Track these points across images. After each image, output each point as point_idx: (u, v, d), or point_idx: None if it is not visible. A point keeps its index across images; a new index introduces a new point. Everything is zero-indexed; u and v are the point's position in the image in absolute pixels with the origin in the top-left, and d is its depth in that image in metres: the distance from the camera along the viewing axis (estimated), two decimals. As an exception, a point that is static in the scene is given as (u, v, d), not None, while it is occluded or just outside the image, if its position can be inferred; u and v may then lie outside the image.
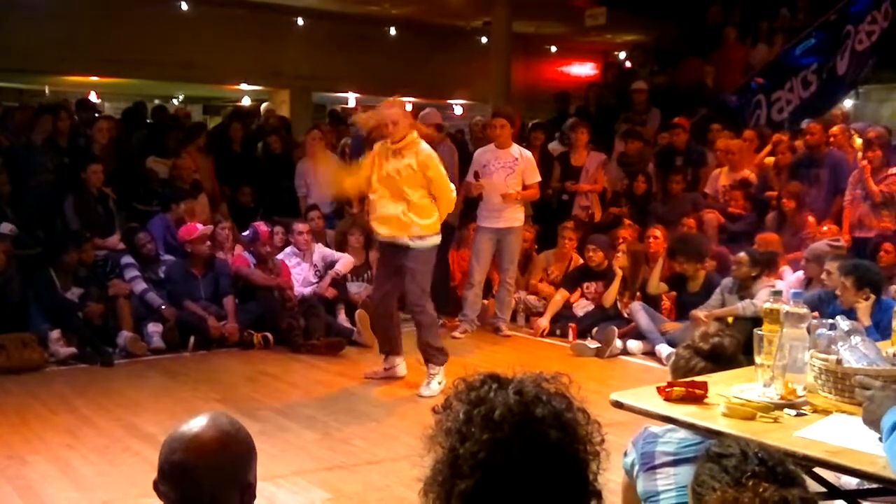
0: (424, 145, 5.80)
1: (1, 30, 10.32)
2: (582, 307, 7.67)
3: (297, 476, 4.32)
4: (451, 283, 8.36)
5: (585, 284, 7.75)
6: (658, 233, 7.58)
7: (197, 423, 1.79)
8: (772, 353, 2.49)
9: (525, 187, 7.54)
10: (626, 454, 2.52)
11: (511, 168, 7.48)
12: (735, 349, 2.66)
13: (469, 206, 8.04)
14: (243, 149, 9.36)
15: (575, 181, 8.87)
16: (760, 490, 1.54)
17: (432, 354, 5.89)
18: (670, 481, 2.42)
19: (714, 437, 2.33)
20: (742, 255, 6.68)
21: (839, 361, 2.49)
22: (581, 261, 7.94)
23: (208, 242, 7.33)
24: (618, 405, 2.43)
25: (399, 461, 4.43)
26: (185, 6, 11.58)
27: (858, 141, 8.24)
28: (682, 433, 2.46)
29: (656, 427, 2.51)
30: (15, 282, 6.63)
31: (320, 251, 7.79)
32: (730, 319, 6.59)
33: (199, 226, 7.34)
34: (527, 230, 8.04)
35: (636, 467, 2.47)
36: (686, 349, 2.67)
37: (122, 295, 6.95)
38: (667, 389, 2.42)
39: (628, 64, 12.95)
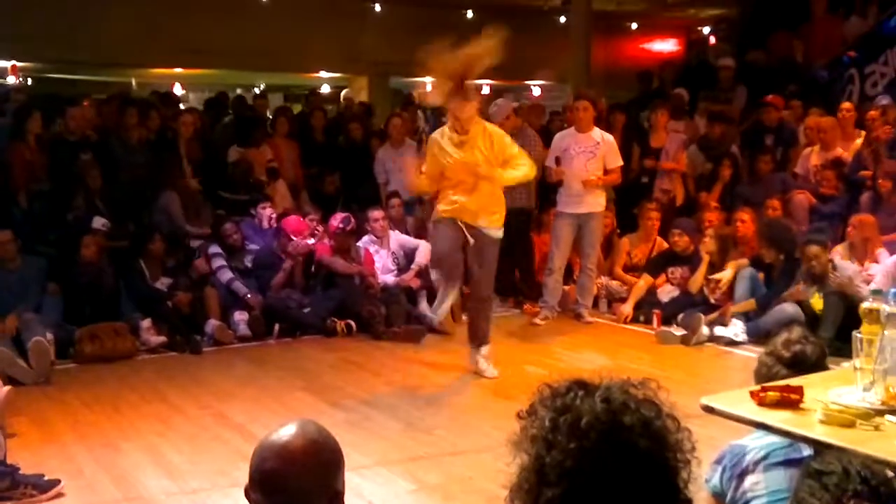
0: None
1: (88, 25, 10.65)
2: (667, 293, 7.50)
3: (381, 466, 4.37)
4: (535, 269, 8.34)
5: (670, 269, 7.57)
6: (745, 216, 7.37)
7: (286, 432, 1.81)
8: (872, 356, 2.37)
9: (606, 171, 7.41)
10: (707, 480, 2.46)
11: (592, 152, 7.35)
12: (818, 356, 2.59)
13: (548, 191, 7.96)
14: (325, 137, 9.45)
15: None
16: (861, 509, 1.47)
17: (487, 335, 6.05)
18: (760, 487, 2.36)
19: (809, 444, 2.25)
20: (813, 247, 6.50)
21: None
22: (665, 245, 7.77)
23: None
24: (709, 410, 2.35)
25: (482, 453, 4.42)
26: (264, -5, 11.74)
27: None
28: (771, 438, 2.39)
29: (739, 441, 2.45)
30: (108, 273, 6.86)
31: (397, 238, 7.82)
32: (818, 305, 6.40)
33: (305, 229, 7.50)
34: (606, 215, 7.90)
35: (724, 483, 2.42)
36: (768, 356, 2.61)
37: (203, 273, 7.14)
38: (760, 394, 2.34)
39: (712, 39, 12.59)
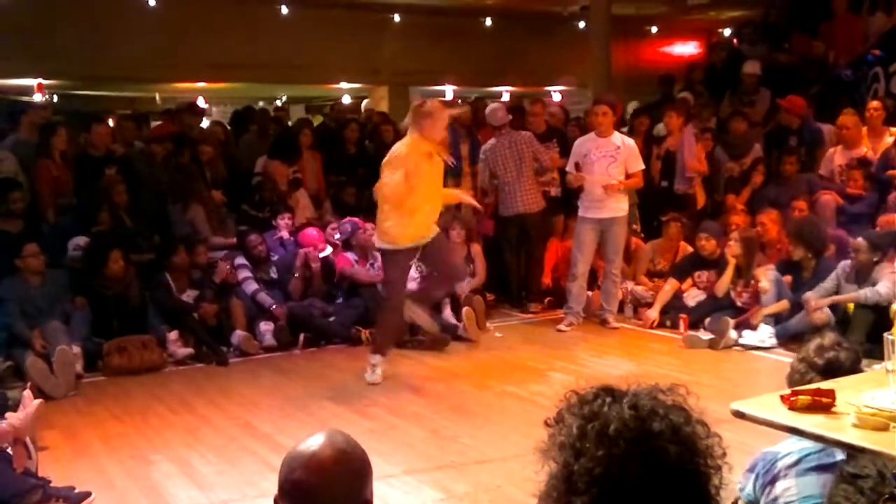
0: None
1: (112, 42, 10.77)
2: (693, 297, 7.42)
3: (408, 475, 4.36)
4: (542, 275, 8.35)
5: (697, 273, 7.51)
6: (769, 218, 7.29)
7: (314, 442, 1.81)
8: (905, 358, 2.34)
9: (628, 176, 7.38)
10: (741, 489, 2.43)
11: (613, 157, 7.32)
12: (852, 363, 2.54)
13: (570, 197, 7.92)
14: (357, 147, 9.48)
15: (672, 166, 8.59)
16: (898, 513, 1.45)
17: None
18: (792, 492, 2.33)
19: (842, 448, 2.22)
20: (860, 240, 6.40)
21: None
22: (689, 249, 7.71)
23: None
24: (739, 415, 2.33)
25: (509, 461, 4.41)
26: (284, 10, 11.81)
27: None
28: (803, 443, 2.35)
29: (771, 447, 2.42)
30: (134, 286, 6.91)
31: (419, 246, 7.83)
32: (850, 307, 6.34)
33: (321, 242, 7.61)
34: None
35: (756, 490, 2.39)
36: (801, 362, 2.57)
37: (224, 277, 7.22)
38: (791, 398, 2.31)
39: (735, 42, 12.50)
